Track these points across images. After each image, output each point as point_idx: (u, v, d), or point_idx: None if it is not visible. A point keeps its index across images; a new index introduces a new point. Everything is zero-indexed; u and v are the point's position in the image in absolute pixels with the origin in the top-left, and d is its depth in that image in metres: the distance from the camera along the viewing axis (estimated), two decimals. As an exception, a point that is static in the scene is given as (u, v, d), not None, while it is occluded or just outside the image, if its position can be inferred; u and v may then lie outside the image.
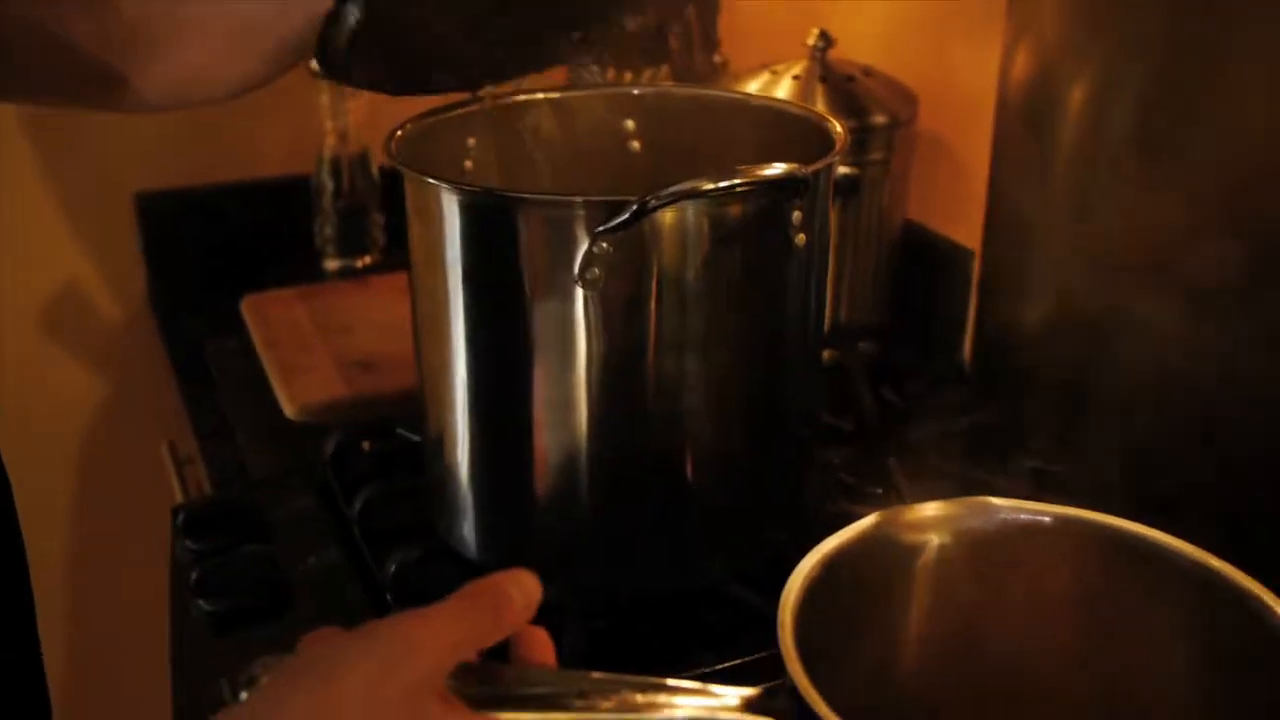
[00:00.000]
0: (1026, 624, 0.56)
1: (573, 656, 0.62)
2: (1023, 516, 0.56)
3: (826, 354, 0.81)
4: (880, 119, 0.95)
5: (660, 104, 0.74)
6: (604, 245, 0.56)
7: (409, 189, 0.63)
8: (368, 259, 1.12)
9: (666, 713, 0.46)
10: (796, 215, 0.59)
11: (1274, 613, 0.50)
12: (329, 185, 1.09)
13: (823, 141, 0.64)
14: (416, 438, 0.76)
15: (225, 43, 0.60)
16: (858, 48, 1.00)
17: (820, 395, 0.74)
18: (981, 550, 0.55)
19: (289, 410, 0.87)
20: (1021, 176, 0.88)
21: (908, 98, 0.98)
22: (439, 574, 0.68)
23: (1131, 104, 0.78)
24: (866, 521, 0.54)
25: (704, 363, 0.61)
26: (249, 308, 1.00)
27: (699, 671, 0.61)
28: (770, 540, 0.69)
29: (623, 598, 0.67)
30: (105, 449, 1.17)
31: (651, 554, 0.66)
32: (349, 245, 1.11)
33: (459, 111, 0.69)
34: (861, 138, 0.93)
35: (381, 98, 1.04)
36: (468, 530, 0.67)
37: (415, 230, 0.64)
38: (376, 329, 0.96)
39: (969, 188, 0.96)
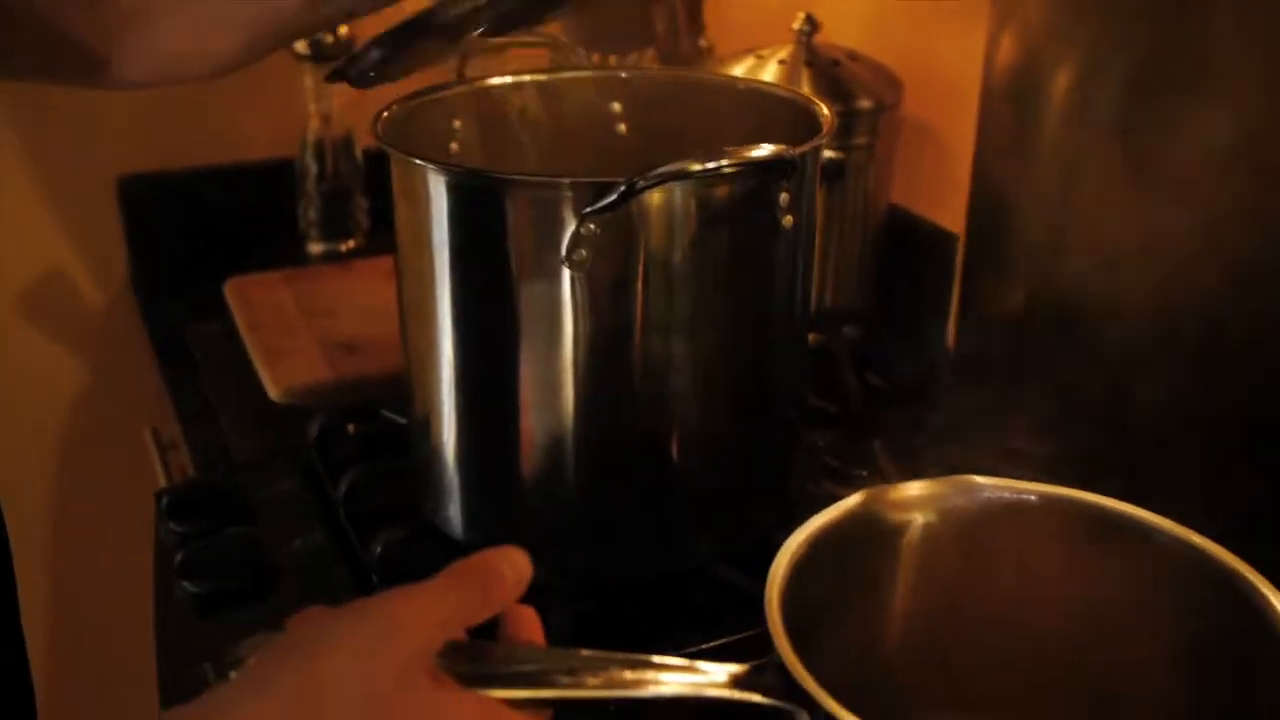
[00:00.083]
0: (1011, 601, 0.56)
1: (559, 637, 0.61)
2: (1007, 495, 0.56)
3: (811, 338, 0.81)
4: (865, 103, 0.95)
5: (647, 87, 0.74)
6: (591, 226, 0.56)
7: (395, 170, 0.63)
8: (351, 242, 1.12)
9: (655, 689, 0.46)
10: (784, 197, 0.59)
11: (1257, 590, 0.50)
12: (313, 168, 1.09)
13: (809, 124, 0.64)
14: (402, 420, 0.76)
15: (210, 20, 0.60)
16: (843, 32, 1.00)
17: (806, 377, 0.74)
18: (966, 529, 0.56)
19: (273, 393, 0.87)
20: (1005, 161, 0.89)
21: (892, 82, 0.98)
22: (424, 555, 0.68)
23: (1115, 89, 0.78)
24: (852, 500, 0.54)
25: (691, 344, 0.61)
26: (232, 291, 1.00)
27: (686, 651, 0.61)
28: (756, 521, 0.69)
29: (609, 578, 0.67)
30: (87, 435, 1.17)
31: (638, 535, 0.66)
32: (333, 229, 1.11)
33: (444, 93, 0.69)
34: (846, 122, 0.93)
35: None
36: (454, 511, 0.67)
37: (402, 211, 0.64)
38: (360, 312, 0.96)
39: (953, 172, 0.96)
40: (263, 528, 0.72)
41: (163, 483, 0.94)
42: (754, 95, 0.73)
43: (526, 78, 0.72)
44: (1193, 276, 0.73)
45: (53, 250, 1.11)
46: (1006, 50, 0.87)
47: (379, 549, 0.68)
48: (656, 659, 0.46)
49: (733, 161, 0.56)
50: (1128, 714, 0.55)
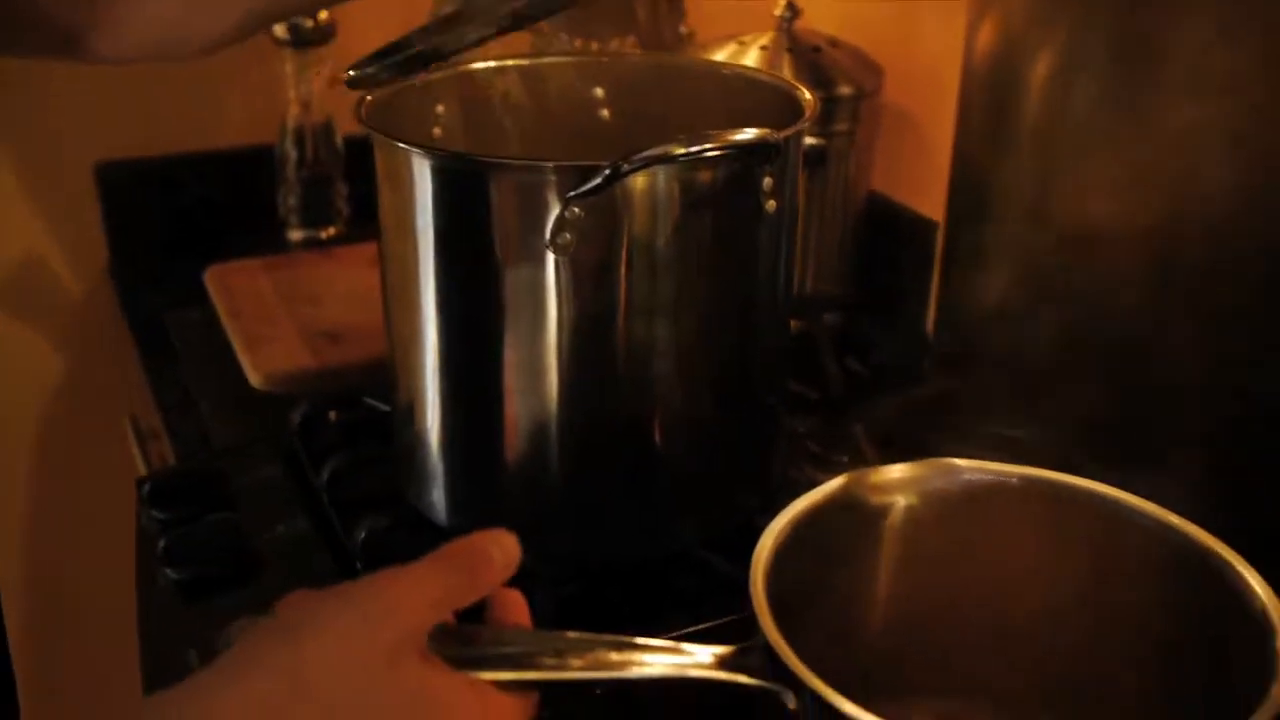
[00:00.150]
0: (991, 582, 0.57)
1: (543, 622, 0.61)
2: (987, 477, 0.57)
3: (792, 324, 0.82)
4: (846, 90, 0.96)
5: (629, 72, 0.74)
6: (576, 210, 0.56)
7: (379, 154, 0.63)
8: (332, 230, 1.11)
9: (640, 670, 0.46)
10: (767, 181, 0.59)
11: (1233, 569, 0.51)
12: (293, 155, 1.08)
13: (792, 110, 0.65)
14: (385, 407, 0.76)
15: None
16: (824, 19, 1.00)
17: (788, 363, 0.74)
18: (947, 511, 0.56)
19: (254, 380, 0.87)
20: (985, 148, 0.89)
21: (873, 69, 0.99)
22: (408, 541, 0.68)
23: (1094, 76, 0.79)
24: (835, 483, 0.55)
25: (674, 328, 0.61)
26: (212, 278, 0.99)
27: (670, 635, 0.61)
28: (739, 506, 0.69)
29: (593, 563, 0.67)
30: (66, 423, 1.16)
31: (621, 519, 0.66)
32: (313, 216, 1.10)
33: (427, 78, 0.69)
34: (827, 109, 0.93)
35: (344, 68, 1.04)
36: (438, 496, 0.68)
37: (385, 196, 0.64)
38: (342, 299, 0.96)
39: (933, 160, 0.97)
40: (245, 514, 0.72)
41: (143, 471, 0.94)
42: (736, 80, 0.73)
43: (509, 62, 0.72)
44: (1172, 262, 0.74)
45: (30, 237, 1.10)
46: (986, 37, 0.87)
47: (363, 535, 0.68)
48: (642, 640, 0.47)
49: (717, 145, 0.56)
50: (1106, 693, 0.55)
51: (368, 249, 1.04)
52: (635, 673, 0.46)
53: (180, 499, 0.73)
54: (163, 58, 0.61)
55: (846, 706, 0.44)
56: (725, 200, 0.60)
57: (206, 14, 0.59)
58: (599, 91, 0.73)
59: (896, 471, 0.56)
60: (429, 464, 0.67)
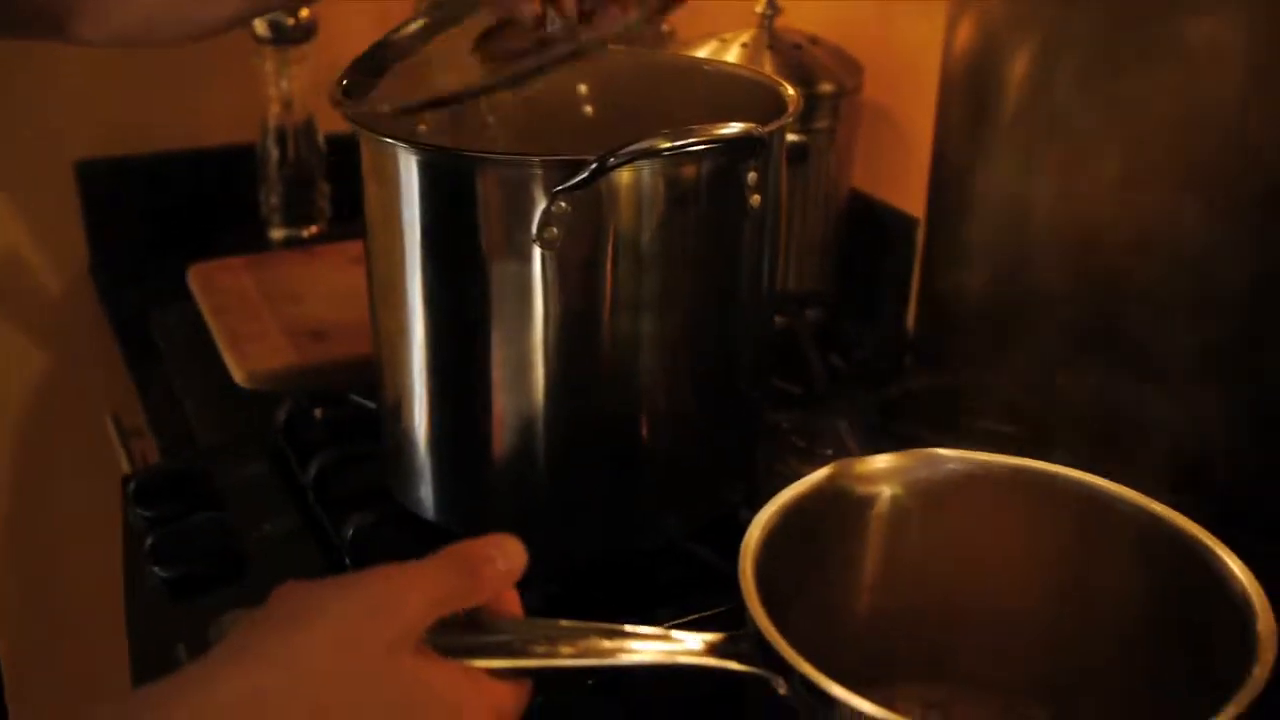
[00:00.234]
0: (976, 570, 0.57)
1: (531, 615, 0.62)
2: (971, 467, 0.57)
3: (775, 320, 0.82)
4: (827, 87, 0.96)
5: (613, 68, 0.74)
6: (562, 204, 0.56)
7: (365, 149, 0.63)
8: (314, 228, 1.11)
9: (631, 658, 0.47)
10: (752, 176, 0.60)
11: (1214, 554, 0.52)
12: (274, 153, 1.08)
13: (774, 106, 0.65)
14: (371, 405, 0.76)
15: None
16: (804, 17, 1.01)
17: (772, 357, 0.75)
18: (932, 500, 0.57)
19: (239, 377, 0.87)
20: (964, 145, 0.90)
21: (853, 67, 0.99)
22: (396, 538, 0.68)
23: (1072, 74, 0.80)
24: (821, 473, 0.55)
25: (660, 323, 0.62)
26: (195, 277, 0.99)
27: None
28: (724, 499, 0.70)
29: (580, 557, 0.67)
30: (47, 423, 1.15)
31: (608, 513, 0.66)
32: (295, 214, 1.10)
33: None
34: (808, 106, 0.94)
35: (325, 66, 1.03)
36: (425, 492, 0.68)
37: (371, 191, 0.64)
38: (326, 297, 0.96)
39: (913, 156, 0.97)
40: (232, 512, 0.72)
41: (126, 470, 0.93)
42: (719, 77, 0.74)
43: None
44: (1151, 257, 0.75)
45: (10, 236, 1.09)
46: (965, 35, 0.88)
47: (350, 532, 0.68)
48: (633, 628, 0.47)
49: (702, 139, 0.56)
50: (1090, 678, 0.56)
51: (350, 247, 1.05)
52: (626, 660, 0.47)
53: (166, 497, 0.73)
54: (148, 43, 0.60)
55: (836, 690, 0.44)
56: (710, 195, 0.60)
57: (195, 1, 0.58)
58: (582, 88, 0.74)
59: (882, 461, 0.57)
60: (416, 460, 0.67)
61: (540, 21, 0.61)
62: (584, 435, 0.64)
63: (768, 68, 0.93)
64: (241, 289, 0.97)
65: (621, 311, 0.61)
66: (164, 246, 1.08)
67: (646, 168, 0.58)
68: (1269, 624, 0.48)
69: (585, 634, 0.47)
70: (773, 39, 0.96)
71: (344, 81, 0.63)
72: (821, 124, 0.98)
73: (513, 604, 0.49)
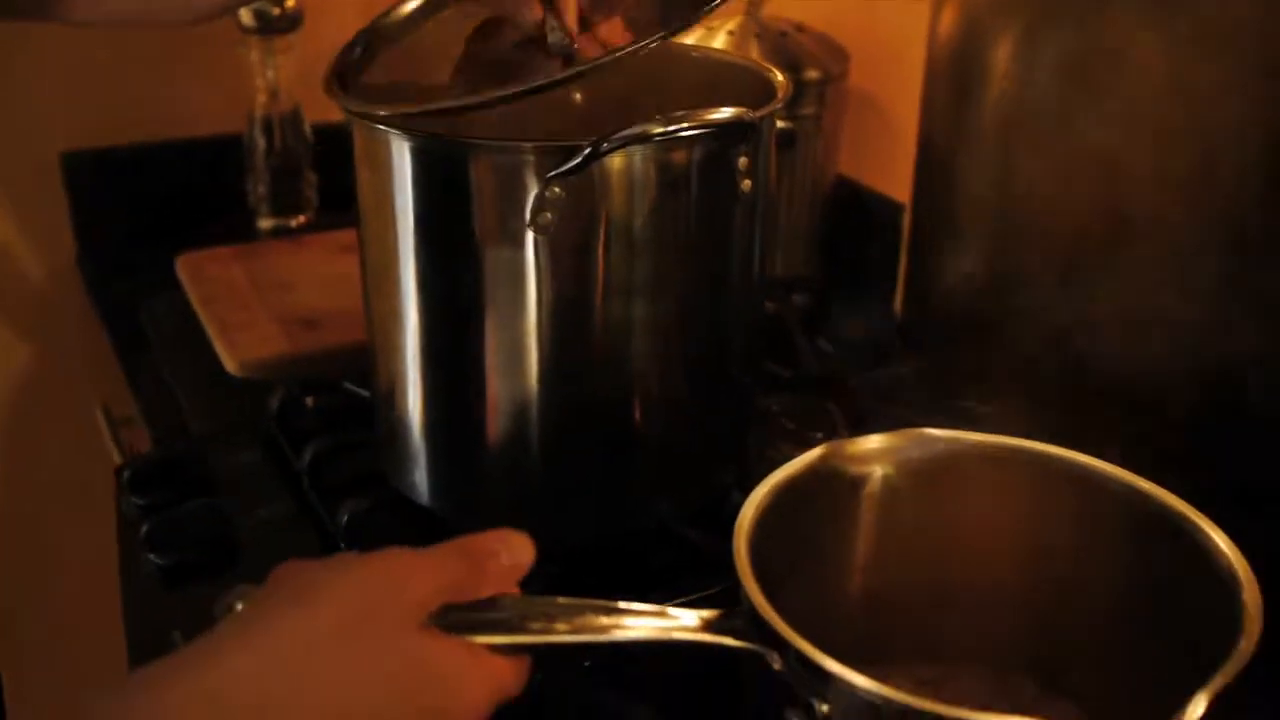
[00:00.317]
0: (967, 548, 0.58)
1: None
2: (961, 447, 0.58)
3: (762, 304, 0.83)
4: (813, 74, 0.97)
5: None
6: (556, 190, 0.57)
7: (358, 136, 0.63)
8: (302, 218, 1.11)
9: (628, 633, 0.47)
10: (743, 161, 0.60)
11: (1201, 530, 0.53)
12: (261, 143, 1.08)
13: (763, 92, 0.66)
14: (363, 392, 0.77)
15: None
16: (790, 4, 1.02)
17: (762, 341, 0.75)
18: (923, 479, 0.57)
19: (230, 366, 0.87)
20: (949, 131, 0.91)
21: (839, 54, 1.00)
22: (391, 523, 0.69)
23: (1055, 59, 0.80)
24: (814, 453, 0.56)
25: (652, 307, 0.62)
26: (184, 266, 0.99)
27: (652, 608, 0.62)
28: (716, 483, 0.70)
29: (573, 541, 0.68)
30: (36, 414, 1.15)
31: (601, 497, 0.67)
32: (282, 204, 1.10)
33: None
34: (794, 93, 0.94)
35: (312, 55, 1.03)
36: (419, 477, 0.68)
37: (364, 178, 0.64)
38: (315, 286, 0.96)
39: (898, 142, 0.98)
40: (226, 500, 0.72)
41: (116, 460, 0.93)
42: (707, 64, 0.74)
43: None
44: (1133, 241, 0.76)
45: (-5, 229, 1.09)
46: (949, 21, 0.89)
47: (345, 518, 0.68)
48: (629, 605, 0.48)
49: (694, 124, 0.57)
50: (1080, 653, 0.57)
51: (338, 236, 1.05)
52: (623, 636, 0.47)
53: (160, 485, 0.73)
54: (141, 24, 0.60)
55: (830, 665, 0.45)
56: (701, 180, 0.61)
57: None
58: (570, 75, 0.74)
59: (873, 442, 0.57)
60: (410, 445, 0.68)
61: (540, 27, 0.61)
62: (577, 420, 0.64)
63: (754, 54, 0.94)
64: (231, 278, 0.97)
65: (614, 296, 0.61)
66: (151, 237, 1.08)
67: (638, 153, 0.58)
68: (1254, 597, 0.49)
69: (582, 611, 0.47)
70: (759, 26, 0.97)
71: (335, 68, 0.63)
72: (808, 111, 0.99)
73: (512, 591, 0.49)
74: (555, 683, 0.52)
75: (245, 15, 1.03)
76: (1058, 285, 0.81)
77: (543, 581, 0.64)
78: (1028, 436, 0.59)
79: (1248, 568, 0.50)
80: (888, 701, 0.44)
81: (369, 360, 0.70)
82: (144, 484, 0.73)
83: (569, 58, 0.62)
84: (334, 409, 0.80)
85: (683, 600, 0.63)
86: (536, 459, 0.65)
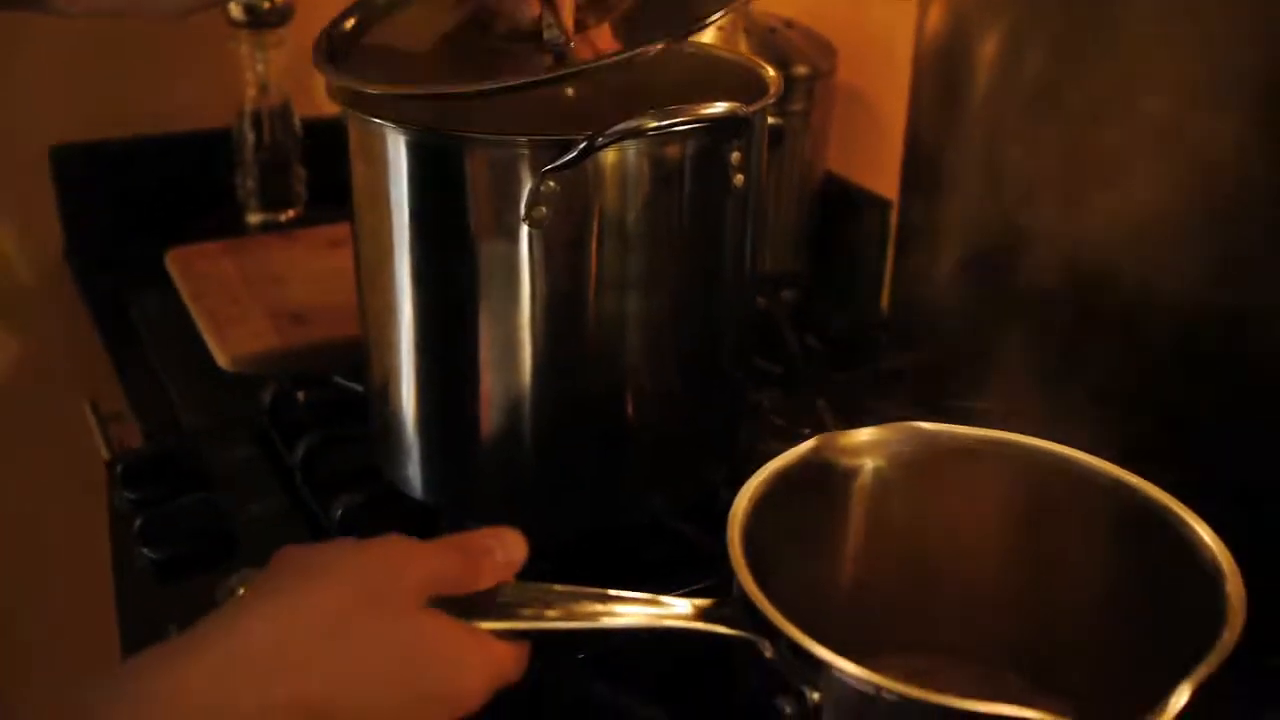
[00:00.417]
0: (956, 540, 0.59)
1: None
2: (951, 440, 0.59)
3: (751, 300, 0.83)
4: (802, 70, 0.97)
5: (593, 50, 0.75)
6: (551, 184, 0.57)
7: (353, 130, 0.63)
8: (291, 212, 1.11)
9: (623, 620, 0.48)
10: (736, 156, 0.61)
11: (1185, 522, 0.53)
12: (250, 138, 1.08)
13: (754, 88, 0.66)
14: (355, 386, 0.77)
15: None
16: (779, 0, 1.02)
17: (753, 337, 0.76)
18: (914, 472, 0.58)
19: (222, 360, 0.87)
20: (937, 127, 0.91)
21: (827, 50, 1.01)
22: (385, 517, 0.69)
23: (1042, 56, 0.81)
24: (806, 445, 0.57)
25: (646, 301, 0.62)
26: (174, 261, 0.99)
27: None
28: (707, 477, 0.71)
29: (566, 535, 0.68)
30: (22, 409, 1.15)
31: (594, 491, 0.67)
32: (271, 198, 1.10)
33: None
34: (783, 88, 0.95)
35: (302, 49, 1.03)
36: (413, 471, 0.68)
37: (359, 171, 0.64)
38: (306, 281, 0.96)
39: (886, 139, 0.99)
40: (220, 493, 0.72)
41: (105, 455, 0.93)
42: (698, 59, 0.74)
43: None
44: (1123, 239, 0.76)
45: (-18, 223, 1.09)
46: (936, 18, 0.90)
47: (339, 512, 0.69)
48: (622, 593, 0.49)
49: (688, 118, 0.57)
50: (1066, 645, 0.58)
51: (328, 231, 1.05)
52: (616, 623, 0.48)
53: (153, 479, 0.73)
54: (134, 15, 0.60)
55: (822, 653, 0.45)
56: (694, 175, 0.61)
57: None
58: (563, 69, 0.74)
59: (865, 435, 0.58)
60: (404, 439, 0.68)
61: (536, 23, 0.62)
62: (571, 414, 0.65)
63: (743, 50, 0.94)
64: (221, 273, 0.97)
65: (608, 291, 0.62)
66: (139, 231, 1.07)
67: (632, 147, 0.58)
68: (1238, 589, 0.50)
69: (575, 598, 0.48)
70: (748, 22, 0.97)
71: (325, 40, 0.63)
72: (796, 106, 0.99)
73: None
74: (551, 674, 0.53)
75: (235, 9, 1.03)
76: (1045, 280, 0.81)
77: (535, 577, 0.64)
78: (1016, 431, 0.60)
79: (1231, 560, 0.51)
80: (879, 689, 0.44)
81: (363, 354, 0.70)
82: (137, 478, 0.73)
83: (561, 55, 0.62)
84: (325, 404, 0.80)
85: (676, 594, 0.64)
86: (530, 453, 0.65)
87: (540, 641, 0.48)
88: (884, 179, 1.01)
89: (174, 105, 1.09)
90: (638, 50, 0.57)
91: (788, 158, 1.01)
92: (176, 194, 1.11)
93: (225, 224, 1.09)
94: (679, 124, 0.57)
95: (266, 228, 1.10)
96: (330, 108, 0.64)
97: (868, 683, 0.44)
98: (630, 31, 0.64)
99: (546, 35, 0.61)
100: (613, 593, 0.49)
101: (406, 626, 0.44)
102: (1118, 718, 0.43)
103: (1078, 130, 0.78)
